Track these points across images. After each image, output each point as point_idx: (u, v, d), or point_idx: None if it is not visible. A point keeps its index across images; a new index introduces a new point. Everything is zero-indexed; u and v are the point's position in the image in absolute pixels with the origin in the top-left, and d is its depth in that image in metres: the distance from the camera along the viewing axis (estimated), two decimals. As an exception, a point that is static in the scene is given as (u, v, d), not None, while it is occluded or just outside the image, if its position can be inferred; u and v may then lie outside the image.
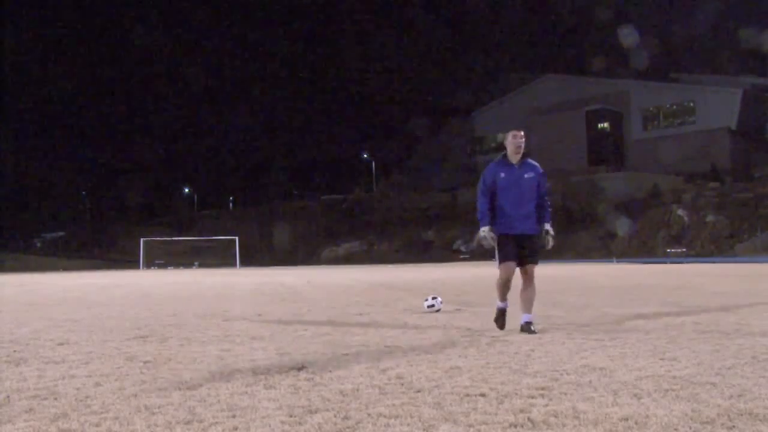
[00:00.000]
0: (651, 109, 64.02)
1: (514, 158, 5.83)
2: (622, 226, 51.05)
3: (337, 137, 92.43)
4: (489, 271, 25.88)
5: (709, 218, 47.31)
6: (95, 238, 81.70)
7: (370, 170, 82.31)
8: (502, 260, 5.78)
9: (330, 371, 3.96)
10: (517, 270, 5.81)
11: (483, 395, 3.22)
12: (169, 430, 2.76)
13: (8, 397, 3.43)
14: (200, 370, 4.11)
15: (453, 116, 77.76)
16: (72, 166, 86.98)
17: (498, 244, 5.75)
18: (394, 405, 3.06)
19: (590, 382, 3.50)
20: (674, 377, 3.57)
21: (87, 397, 3.39)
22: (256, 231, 73.30)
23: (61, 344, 5.44)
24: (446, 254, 57.26)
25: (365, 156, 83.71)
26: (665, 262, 34.45)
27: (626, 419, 2.74)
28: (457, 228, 62.47)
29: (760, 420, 2.71)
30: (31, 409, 3.14)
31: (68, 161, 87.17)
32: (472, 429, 2.67)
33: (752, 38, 56.26)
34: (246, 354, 4.73)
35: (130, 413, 3.02)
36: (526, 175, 5.81)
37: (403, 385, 3.53)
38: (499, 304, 5.95)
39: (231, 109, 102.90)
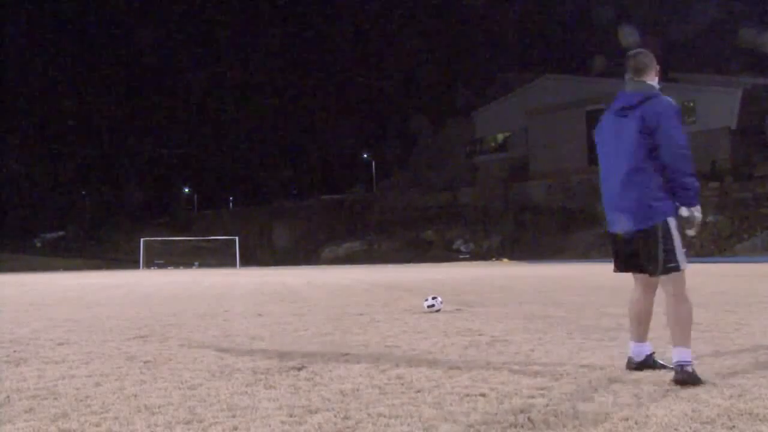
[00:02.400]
0: (651, 109, 63.94)
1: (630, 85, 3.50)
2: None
3: (337, 137, 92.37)
4: (489, 272, 25.87)
5: (709, 218, 47.25)
6: (95, 238, 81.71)
7: (370, 170, 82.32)
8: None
9: (330, 371, 3.96)
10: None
11: (483, 395, 3.22)
12: (169, 430, 2.76)
13: (8, 397, 3.43)
14: (200, 370, 4.11)
15: (453, 116, 77.77)
16: (72, 166, 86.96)
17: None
18: (394, 405, 3.06)
19: (590, 382, 3.50)
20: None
21: (87, 397, 3.39)
22: (256, 231, 73.28)
23: (61, 344, 5.44)
24: (446, 254, 57.23)
25: (365, 156, 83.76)
26: (665, 262, 34.33)
27: (626, 419, 2.74)
28: (457, 228, 62.47)
29: (760, 420, 2.71)
30: (31, 409, 3.14)
31: (68, 161, 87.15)
32: (472, 429, 2.67)
33: (752, 38, 56.25)
34: (246, 354, 4.73)
35: (130, 413, 3.02)
36: (626, 121, 3.45)
37: (403, 385, 3.53)
38: (631, 352, 3.74)
39: (231, 109, 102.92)
